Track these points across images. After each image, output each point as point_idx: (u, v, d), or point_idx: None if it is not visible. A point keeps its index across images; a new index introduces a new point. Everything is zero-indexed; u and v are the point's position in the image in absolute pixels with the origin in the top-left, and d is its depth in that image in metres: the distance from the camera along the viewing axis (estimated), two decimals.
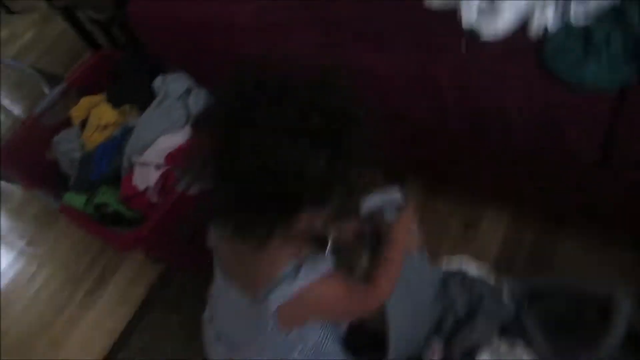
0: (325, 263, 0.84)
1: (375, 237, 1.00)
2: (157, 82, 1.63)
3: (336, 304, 0.85)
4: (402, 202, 1.03)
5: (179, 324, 1.64)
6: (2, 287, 1.89)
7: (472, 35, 1.18)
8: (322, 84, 0.73)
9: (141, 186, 1.50)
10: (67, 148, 1.67)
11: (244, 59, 0.77)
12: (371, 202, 1.02)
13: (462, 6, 1.17)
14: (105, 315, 1.71)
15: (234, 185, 0.71)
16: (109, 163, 1.59)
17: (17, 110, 2.26)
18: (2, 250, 1.99)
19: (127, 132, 1.62)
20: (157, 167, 1.49)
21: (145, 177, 1.50)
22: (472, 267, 1.27)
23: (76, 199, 1.57)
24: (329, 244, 0.88)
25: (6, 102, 2.26)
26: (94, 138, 1.64)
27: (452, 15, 1.24)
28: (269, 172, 0.68)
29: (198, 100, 1.59)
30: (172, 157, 1.49)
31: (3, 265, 1.94)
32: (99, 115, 1.66)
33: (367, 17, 1.29)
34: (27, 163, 1.69)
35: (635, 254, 1.34)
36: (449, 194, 1.59)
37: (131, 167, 1.55)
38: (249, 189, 0.70)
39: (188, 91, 1.60)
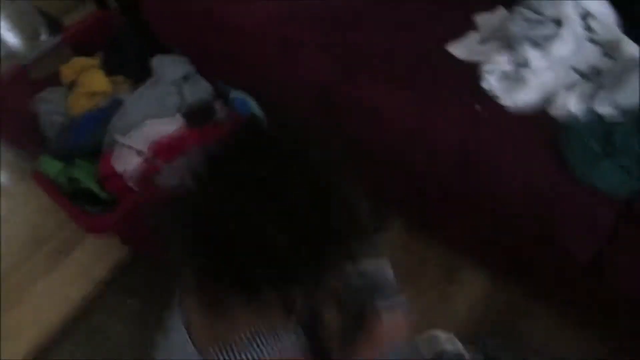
0: (287, 338, 0.79)
1: (358, 312, 0.92)
2: (156, 61, 1.54)
3: None
4: (395, 285, 0.95)
5: (136, 311, 1.61)
6: None
7: (490, 96, 1.11)
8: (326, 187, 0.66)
9: (119, 168, 1.43)
10: (49, 108, 1.58)
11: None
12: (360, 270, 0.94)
13: (486, 66, 1.09)
14: (63, 284, 1.66)
15: (189, 236, 0.65)
16: (91, 134, 1.51)
17: (15, 43, 2.15)
18: None
19: (115, 105, 1.53)
20: (139, 153, 1.42)
21: (126, 160, 1.43)
22: (441, 335, 1.24)
23: (51, 165, 1.49)
24: (294, 317, 0.83)
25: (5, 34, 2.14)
26: (80, 104, 1.55)
27: (474, 67, 1.16)
28: (226, 240, 0.62)
29: (194, 89, 1.50)
30: (156, 147, 1.42)
31: None
32: (90, 80, 1.57)
33: (385, 50, 1.21)
34: (7, 114, 1.60)
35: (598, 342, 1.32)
36: (434, 238, 1.54)
37: (113, 144, 1.48)
38: (202, 248, 0.64)
39: (185, 78, 1.52)
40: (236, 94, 1.49)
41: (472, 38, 1.15)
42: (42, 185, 1.44)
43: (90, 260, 1.68)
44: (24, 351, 1.53)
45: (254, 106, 1.49)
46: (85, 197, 1.47)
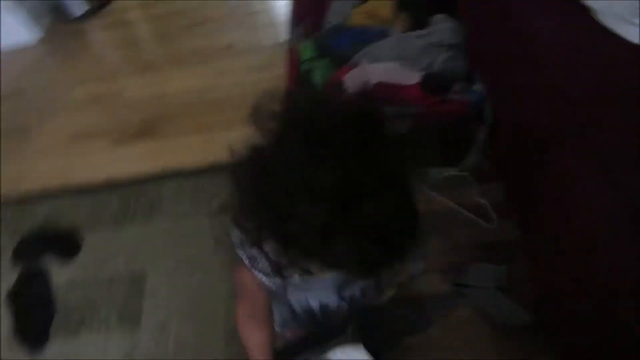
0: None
1: None
2: (438, 17, 1.58)
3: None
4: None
5: None
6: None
7: None
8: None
9: (345, 84, 1.57)
10: (339, 9, 1.77)
11: None
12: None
13: None
14: (206, 142, 1.93)
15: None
16: (348, 45, 1.67)
17: None
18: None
19: (382, 34, 1.65)
20: (366, 83, 1.52)
21: (354, 81, 1.56)
22: None
23: (307, 50, 1.71)
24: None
25: None
26: (358, 17, 1.71)
27: None
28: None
29: (449, 60, 1.51)
30: (383, 87, 1.51)
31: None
32: (379, 4, 1.69)
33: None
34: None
35: None
36: None
37: (357, 64, 1.61)
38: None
39: (450, 46, 1.53)
40: (480, 88, 1.46)
41: None
42: (289, 62, 1.68)
43: None
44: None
45: (487, 108, 1.45)
46: (312, 88, 1.66)
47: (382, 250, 0.60)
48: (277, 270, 0.71)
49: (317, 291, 0.96)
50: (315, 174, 0.57)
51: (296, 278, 0.86)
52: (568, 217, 1.14)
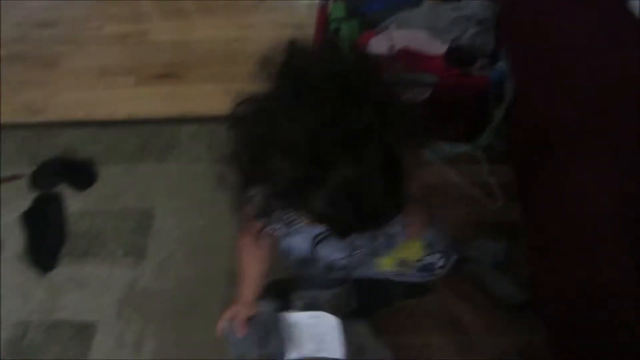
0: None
1: None
2: None
3: None
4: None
5: None
6: None
7: None
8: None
9: (369, 46, 1.56)
10: None
11: None
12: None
13: None
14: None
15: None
16: (382, 9, 1.65)
17: None
18: None
19: (416, 3, 1.63)
20: (391, 47, 1.52)
21: (378, 45, 1.55)
22: None
23: (338, 10, 1.70)
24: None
25: None
26: None
27: None
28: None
29: (476, 35, 1.49)
30: (407, 54, 1.50)
31: None
32: None
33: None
34: None
35: None
36: None
37: (384, 28, 1.60)
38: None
39: (480, 22, 1.50)
40: (503, 67, 1.44)
41: None
42: (318, 19, 1.68)
43: None
44: None
45: (508, 88, 1.43)
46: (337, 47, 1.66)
47: (355, 211, 0.59)
48: (264, 215, 0.73)
49: (301, 242, 0.99)
50: (295, 128, 0.58)
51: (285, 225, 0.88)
52: (568, 217, 1.14)
